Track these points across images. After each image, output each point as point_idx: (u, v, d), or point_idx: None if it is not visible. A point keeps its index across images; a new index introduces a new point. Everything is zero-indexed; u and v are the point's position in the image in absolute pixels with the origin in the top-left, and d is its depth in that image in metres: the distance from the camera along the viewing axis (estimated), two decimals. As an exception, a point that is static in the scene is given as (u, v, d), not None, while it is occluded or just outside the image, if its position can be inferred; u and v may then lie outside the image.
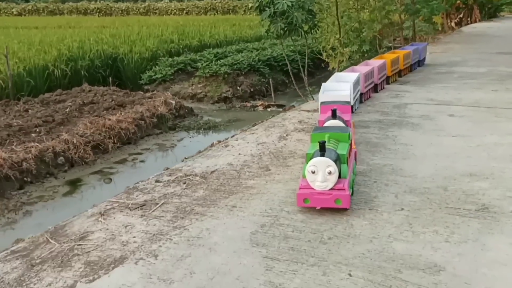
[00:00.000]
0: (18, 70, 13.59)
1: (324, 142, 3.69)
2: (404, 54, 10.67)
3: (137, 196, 4.29)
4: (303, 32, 10.94)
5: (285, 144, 5.63)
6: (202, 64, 16.78)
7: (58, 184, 8.94)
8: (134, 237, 3.52)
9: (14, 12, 67.26)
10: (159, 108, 12.63)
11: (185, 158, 5.60)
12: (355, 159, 4.50)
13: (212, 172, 4.79)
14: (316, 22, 10.91)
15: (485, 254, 3.16)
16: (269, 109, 14.79)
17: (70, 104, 11.91)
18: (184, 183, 4.52)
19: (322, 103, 5.25)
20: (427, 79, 9.99)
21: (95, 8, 66.21)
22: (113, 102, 12.37)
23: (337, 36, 10.69)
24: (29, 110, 11.47)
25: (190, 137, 12.17)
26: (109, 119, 11.01)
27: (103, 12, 65.47)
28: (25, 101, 12.42)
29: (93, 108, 11.84)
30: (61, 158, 9.41)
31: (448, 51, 15.35)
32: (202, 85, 16.34)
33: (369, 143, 5.59)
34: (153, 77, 16.84)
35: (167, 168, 5.11)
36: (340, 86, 6.42)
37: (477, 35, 21.59)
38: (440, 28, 26.23)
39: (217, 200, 4.11)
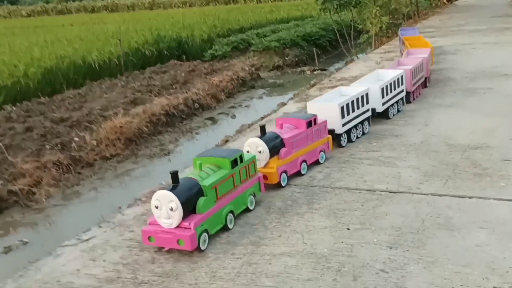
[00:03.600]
0: (124, 52, 17.50)
1: (176, 172, 3.31)
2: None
3: (328, 83, 8.35)
4: (351, 8, 15.03)
5: (383, 65, 9.72)
6: (255, 41, 20.79)
7: (201, 120, 12.96)
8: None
9: (24, 14, 70.37)
10: (240, 73, 16.64)
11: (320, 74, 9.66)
12: (260, 187, 4.00)
13: (355, 76, 8.86)
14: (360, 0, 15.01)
15: (509, 86, 7.31)
16: (315, 72, 18.84)
17: (179, 71, 15.90)
18: (346, 80, 8.59)
19: (282, 115, 5.15)
20: (446, 34, 14.11)
21: (101, 5, 69.57)
22: (207, 69, 16.35)
23: (378, 8, 14.78)
24: (152, 77, 15.43)
25: (268, 92, 16.23)
26: (214, 80, 15.02)
27: (109, 9, 68.83)
28: (141, 73, 16.37)
29: (198, 73, 15.82)
30: (196, 104, 13.43)
31: (452, 18, 19.50)
32: (257, 57, 20.37)
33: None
34: (215, 54, 20.82)
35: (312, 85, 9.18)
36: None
37: (470, 6, 25.76)
38: (434, 4, 30.46)
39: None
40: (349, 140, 5.31)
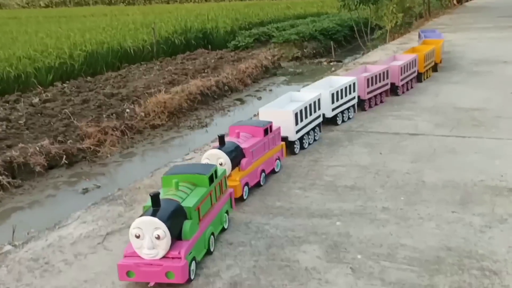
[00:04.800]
0: (156, 39, 18.94)
1: (157, 194, 2.89)
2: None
3: (352, 66, 9.72)
4: (370, 5, 16.39)
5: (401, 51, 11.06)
6: (276, 34, 22.18)
7: (231, 100, 14.36)
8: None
9: (42, 5, 72.03)
10: (263, 61, 18.02)
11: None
12: (231, 203, 3.69)
13: (376, 61, 10.21)
14: (378, -3, 16.37)
15: (506, 70, 8.66)
16: (331, 63, 20.19)
17: (209, 58, 17.31)
18: (368, 63, 9.94)
19: (234, 124, 4.59)
20: (456, 30, 15.45)
21: (119, -2, 71.13)
22: (233, 57, 17.75)
23: (395, 5, 16.13)
24: (184, 62, 16.84)
25: (289, 78, 17.61)
26: (241, 66, 16.41)
27: (126, 1, 70.42)
28: (172, 59, 17.79)
29: (226, 60, 17.23)
30: (226, 86, 14.81)
31: (461, 18, 20.82)
32: (278, 49, 21.75)
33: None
34: (238, 45, 22.22)
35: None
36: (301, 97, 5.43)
37: (480, 7, 27.04)
38: (445, 5, 31.75)
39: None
40: (302, 147, 5.11)
